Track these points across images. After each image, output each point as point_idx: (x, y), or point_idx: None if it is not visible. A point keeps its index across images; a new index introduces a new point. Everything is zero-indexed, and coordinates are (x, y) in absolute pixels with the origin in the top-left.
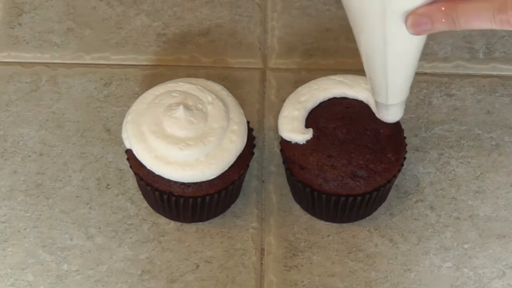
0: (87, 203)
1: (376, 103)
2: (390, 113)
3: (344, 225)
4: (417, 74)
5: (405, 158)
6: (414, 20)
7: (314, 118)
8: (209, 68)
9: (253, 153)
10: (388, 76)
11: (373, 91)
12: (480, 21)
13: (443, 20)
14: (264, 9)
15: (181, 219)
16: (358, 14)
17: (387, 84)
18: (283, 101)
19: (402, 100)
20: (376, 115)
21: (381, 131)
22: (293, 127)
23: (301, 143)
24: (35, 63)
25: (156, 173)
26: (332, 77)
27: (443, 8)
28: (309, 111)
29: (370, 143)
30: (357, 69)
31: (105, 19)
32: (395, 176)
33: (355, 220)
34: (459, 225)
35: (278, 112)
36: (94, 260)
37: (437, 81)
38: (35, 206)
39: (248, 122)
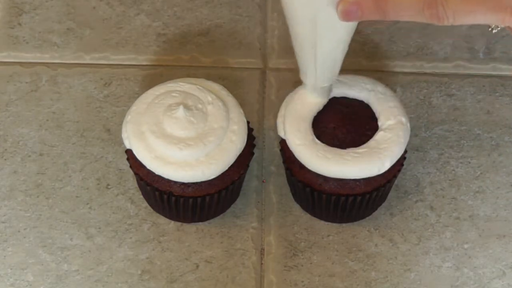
0: (87, 203)
1: (305, 85)
2: (319, 95)
3: (344, 225)
4: (417, 74)
5: (405, 158)
6: (344, 7)
7: (314, 118)
8: (209, 68)
9: (253, 153)
10: (317, 59)
11: (301, 72)
12: (409, 13)
13: (373, 10)
14: (264, 9)
15: (181, 219)
16: None
17: (316, 67)
18: (283, 101)
19: (329, 85)
20: (308, 96)
21: None
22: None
23: None
24: (35, 63)
25: (156, 173)
26: None
27: None
28: None
29: None
30: (357, 69)
31: (105, 19)
32: (395, 176)
33: (355, 220)
34: (459, 225)
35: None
36: (94, 260)
37: (437, 81)
38: (35, 206)
39: (248, 122)
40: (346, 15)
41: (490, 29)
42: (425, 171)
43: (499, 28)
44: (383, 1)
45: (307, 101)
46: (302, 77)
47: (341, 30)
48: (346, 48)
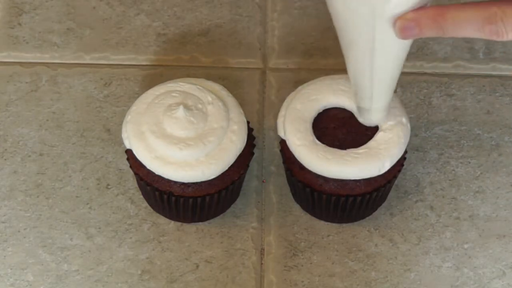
0: (87, 203)
1: (359, 108)
2: (374, 117)
3: (344, 225)
4: (417, 74)
5: (405, 158)
6: (402, 24)
7: (314, 119)
8: (209, 68)
9: (253, 153)
10: (374, 79)
11: (356, 96)
12: (469, 30)
13: (432, 27)
14: (264, 9)
15: (181, 219)
16: (346, 17)
17: (372, 87)
18: (283, 101)
19: (386, 104)
20: (358, 119)
21: None
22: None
23: None
24: (35, 63)
25: (156, 173)
26: (332, 77)
27: (432, 14)
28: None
29: None
30: None
31: (105, 19)
32: (395, 176)
33: (355, 220)
34: (459, 225)
35: (278, 112)
36: (94, 260)
37: (437, 81)
38: (35, 206)
39: (248, 122)
40: (404, 32)
41: None
42: (425, 171)
43: None
44: (442, 18)
45: (308, 102)
46: (358, 102)
47: (398, 48)
48: (401, 66)
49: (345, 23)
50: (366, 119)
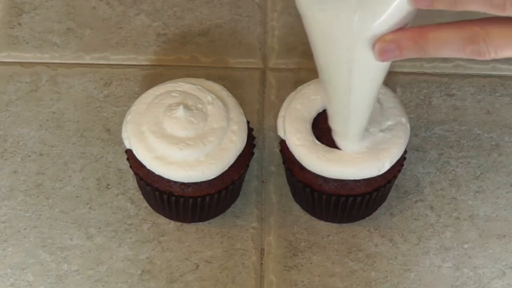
0: (87, 203)
1: (334, 132)
2: (350, 142)
3: (344, 225)
4: (417, 74)
5: (405, 158)
6: (382, 46)
7: (314, 119)
8: (209, 68)
9: (253, 153)
10: (351, 102)
11: (331, 119)
12: (450, 50)
13: (412, 48)
14: (264, 9)
15: (181, 219)
16: (323, 38)
17: (349, 111)
18: (283, 101)
19: (361, 130)
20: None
21: None
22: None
23: None
24: (35, 63)
25: (156, 173)
26: None
27: (412, 36)
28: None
29: None
30: None
31: (105, 19)
32: (395, 176)
33: (355, 220)
34: (459, 225)
35: (278, 112)
36: (94, 260)
37: (437, 81)
38: (35, 206)
39: (248, 122)
40: (383, 55)
41: None
42: (425, 171)
43: None
44: (423, 39)
45: (308, 102)
46: (333, 125)
47: (376, 70)
48: (379, 88)
49: (322, 45)
50: (342, 144)
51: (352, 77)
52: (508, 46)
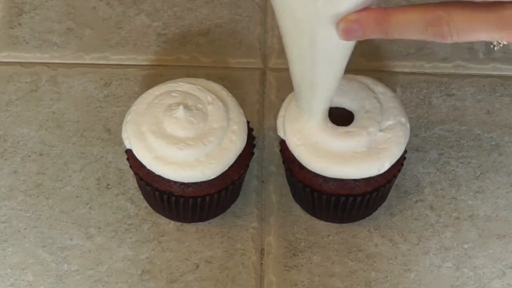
0: (87, 203)
1: (300, 107)
2: (313, 118)
3: (344, 225)
4: (417, 74)
5: (405, 158)
6: (345, 26)
7: None
8: (209, 68)
9: (253, 153)
10: (315, 80)
11: (297, 96)
12: (412, 33)
13: (375, 29)
14: (264, 9)
15: (181, 219)
16: (288, 13)
17: (312, 89)
18: (283, 101)
19: (325, 107)
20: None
21: None
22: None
23: None
24: (35, 63)
25: (156, 173)
26: None
27: (375, 17)
28: None
29: None
30: (357, 69)
31: (105, 19)
32: (395, 176)
33: (355, 220)
34: (459, 225)
35: (278, 112)
36: (94, 260)
37: (437, 81)
38: (35, 206)
39: (248, 122)
40: (346, 34)
41: (492, 45)
42: (425, 171)
43: (501, 45)
44: (386, 20)
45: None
46: (298, 100)
47: (339, 49)
48: (343, 69)
49: (287, 21)
50: (305, 117)
51: (315, 54)
52: (470, 30)
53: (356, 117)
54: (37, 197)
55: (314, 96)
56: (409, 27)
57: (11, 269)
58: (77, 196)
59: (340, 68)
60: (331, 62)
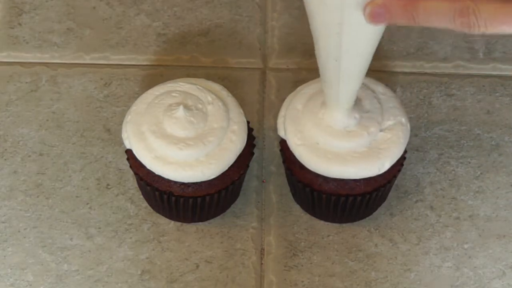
0: (87, 203)
1: (325, 105)
2: (339, 115)
3: (344, 225)
4: (417, 74)
5: (405, 158)
6: (372, 9)
7: None
8: (209, 68)
9: (253, 153)
10: (340, 71)
11: (323, 92)
12: (440, 21)
13: (402, 14)
14: (264, 9)
15: (181, 219)
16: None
17: (338, 81)
18: (283, 101)
19: (350, 104)
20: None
21: None
22: None
23: None
24: (35, 63)
25: (156, 173)
26: None
27: (403, 2)
28: None
29: None
30: None
31: (105, 19)
32: (395, 176)
33: (355, 220)
34: (459, 225)
35: (278, 112)
36: (94, 260)
37: (437, 81)
38: (35, 206)
39: (248, 122)
40: (373, 17)
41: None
42: (425, 171)
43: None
44: (413, 7)
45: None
46: (325, 98)
47: (367, 36)
48: (369, 60)
49: (314, 6)
50: (331, 117)
51: (343, 40)
52: (498, 22)
53: None
54: (37, 197)
55: (339, 90)
56: (436, 15)
57: (11, 269)
58: (77, 196)
59: (365, 59)
60: (358, 48)
